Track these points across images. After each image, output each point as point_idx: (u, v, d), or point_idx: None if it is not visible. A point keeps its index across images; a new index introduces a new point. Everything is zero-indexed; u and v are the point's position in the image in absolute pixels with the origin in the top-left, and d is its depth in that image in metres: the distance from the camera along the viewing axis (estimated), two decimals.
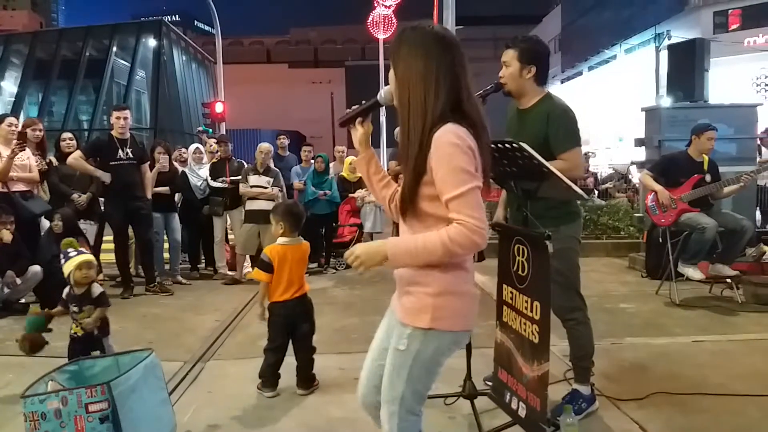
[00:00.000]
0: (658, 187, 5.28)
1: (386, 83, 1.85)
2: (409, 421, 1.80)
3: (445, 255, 1.64)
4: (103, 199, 6.25)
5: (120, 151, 5.92)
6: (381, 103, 1.88)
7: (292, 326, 3.45)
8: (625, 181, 11.71)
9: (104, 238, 6.58)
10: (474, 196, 1.62)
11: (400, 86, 1.74)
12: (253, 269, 6.82)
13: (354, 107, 1.95)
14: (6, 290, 5.27)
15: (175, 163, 7.17)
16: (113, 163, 5.89)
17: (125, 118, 6.00)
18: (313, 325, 3.54)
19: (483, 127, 1.72)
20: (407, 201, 1.72)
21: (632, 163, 11.63)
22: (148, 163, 6.31)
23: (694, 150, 5.28)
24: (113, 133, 6.00)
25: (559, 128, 2.86)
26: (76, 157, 5.88)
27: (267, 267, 3.39)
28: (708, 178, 5.22)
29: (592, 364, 3.10)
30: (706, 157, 5.28)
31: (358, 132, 1.95)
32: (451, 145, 1.61)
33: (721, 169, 5.39)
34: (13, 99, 26.58)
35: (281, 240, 3.45)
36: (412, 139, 1.69)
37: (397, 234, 1.83)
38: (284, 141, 8.46)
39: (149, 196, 6.21)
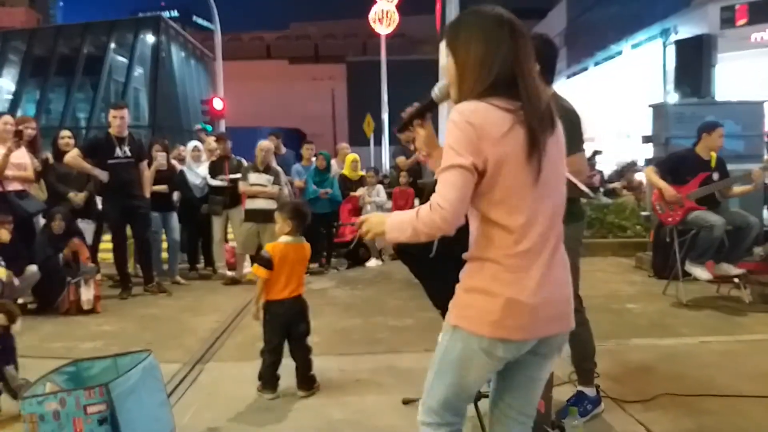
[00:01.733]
0: (663, 184, 5.22)
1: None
2: (431, 418, 1.74)
3: (415, 231, 1.59)
4: (100, 198, 6.20)
5: (117, 150, 5.87)
6: (436, 101, 1.80)
7: (288, 326, 3.42)
8: (626, 173, 11.56)
9: (103, 237, 6.54)
10: (449, 175, 1.53)
11: (460, 72, 1.66)
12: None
13: (408, 109, 1.87)
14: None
15: (174, 162, 7.11)
16: (111, 161, 5.85)
17: (122, 117, 5.96)
18: (308, 325, 3.51)
19: (536, 99, 1.60)
20: None
21: (630, 163, 11.54)
22: (147, 161, 6.26)
23: (704, 147, 5.22)
24: (111, 131, 5.96)
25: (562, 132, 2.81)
26: (73, 156, 5.84)
27: (267, 263, 3.36)
28: (716, 176, 5.18)
29: (594, 365, 3.07)
30: (713, 155, 5.23)
31: (421, 134, 1.88)
32: (450, 122, 1.56)
33: (729, 167, 5.34)
34: (11, 96, 26.53)
35: (284, 238, 3.43)
36: None
37: None
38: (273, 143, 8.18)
39: (147, 195, 6.16)
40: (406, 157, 8.46)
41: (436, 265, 2.27)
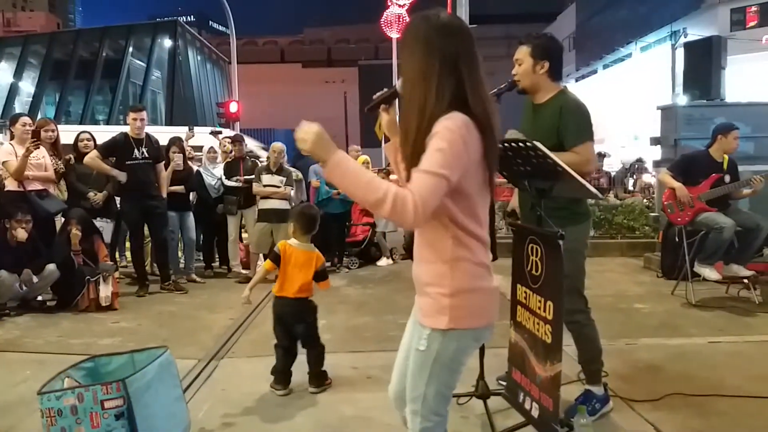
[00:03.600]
0: (677, 184, 5.23)
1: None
2: (432, 421, 1.77)
3: (377, 203, 1.53)
4: (119, 198, 6.31)
5: (136, 151, 5.98)
6: (399, 92, 1.85)
7: (286, 324, 3.47)
8: (631, 174, 11.43)
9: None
10: (436, 182, 1.53)
11: (404, 81, 1.71)
12: None
13: (378, 94, 1.94)
14: (24, 288, 5.33)
15: (189, 162, 7.23)
16: (129, 162, 5.95)
17: (142, 120, 6.06)
18: (308, 326, 3.51)
19: (488, 125, 1.64)
20: None
21: (638, 160, 11.42)
22: (164, 162, 6.36)
23: (718, 149, 5.21)
24: (129, 133, 6.05)
25: (570, 121, 2.87)
26: (92, 157, 5.94)
27: (275, 258, 3.45)
28: (727, 178, 5.16)
29: (601, 364, 3.08)
30: (726, 157, 5.22)
31: (384, 119, 1.94)
32: (446, 130, 1.57)
33: (738, 168, 5.32)
34: (31, 99, 26.89)
35: (293, 241, 3.51)
36: (408, 138, 1.65)
37: (411, 234, 1.81)
38: None
39: (164, 195, 6.26)
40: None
41: None
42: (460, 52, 1.65)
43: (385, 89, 1.95)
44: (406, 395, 1.81)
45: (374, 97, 1.97)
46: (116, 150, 6.08)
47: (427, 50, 1.65)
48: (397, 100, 1.95)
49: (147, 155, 6.03)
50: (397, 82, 1.86)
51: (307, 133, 1.57)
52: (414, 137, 1.63)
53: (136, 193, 5.99)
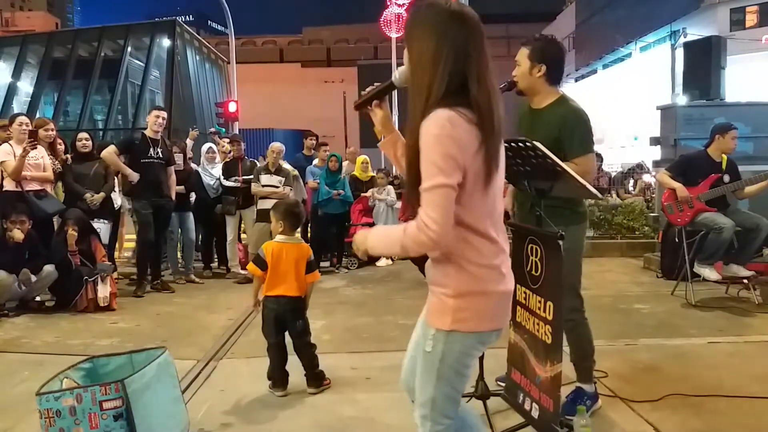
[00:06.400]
0: (676, 184, 5.23)
1: None
2: (443, 424, 1.75)
3: (403, 248, 1.61)
4: (117, 198, 6.30)
5: (151, 150, 6.07)
6: (396, 84, 1.81)
7: (282, 322, 3.48)
8: (629, 176, 11.45)
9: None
10: (435, 194, 1.52)
11: (413, 68, 1.65)
12: None
13: (369, 89, 1.89)
14: (22, 288, 5.32)
15: (190, 163, 7.23)
16: (144, 160, 6.04)
17: (163, 118, 6.19)
18: (305, 323, 3.53)
19: (489, 118, 1.58)
20: (411, 200, 1.63)
21: (638, 165, 11.43)
22: (174, 165, 6.42)
23: (716, 149, 5.22)
24: (147, 132, 6.15)
25: (574, 133, 2.84)
26: (110, 152, 6.06)
27: (260, 263, 3.46)
28: (726, 178, 5.16)
29: (593, 362, 3.09)
30: (725, 157, 5.22)
31: (378, 115, 1.90)
32: (430, 135, 1.53)
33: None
34: (29, 99, 26.83)
35: (279, 237, 3.52)
36: (413, 126, 1.61)
37: None
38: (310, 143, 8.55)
39: (173, 197, 6.32)
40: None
41: None
42: (471, 42, 1.62)
43: (377, 84, 1.90)
44: (416, 399, 1.79)
45: (364, 92, 1.91)
46: (133, 147, 6.16)
47: (438, 35, 1.60)
48: (389, 94, 1.88)
49: (161, 155, 6.12)
50: (395, 74, 1.81)
51: (355, 242, 1.76)
52: (417, 124, 1.59)
53: (149, 192, 6.06)
